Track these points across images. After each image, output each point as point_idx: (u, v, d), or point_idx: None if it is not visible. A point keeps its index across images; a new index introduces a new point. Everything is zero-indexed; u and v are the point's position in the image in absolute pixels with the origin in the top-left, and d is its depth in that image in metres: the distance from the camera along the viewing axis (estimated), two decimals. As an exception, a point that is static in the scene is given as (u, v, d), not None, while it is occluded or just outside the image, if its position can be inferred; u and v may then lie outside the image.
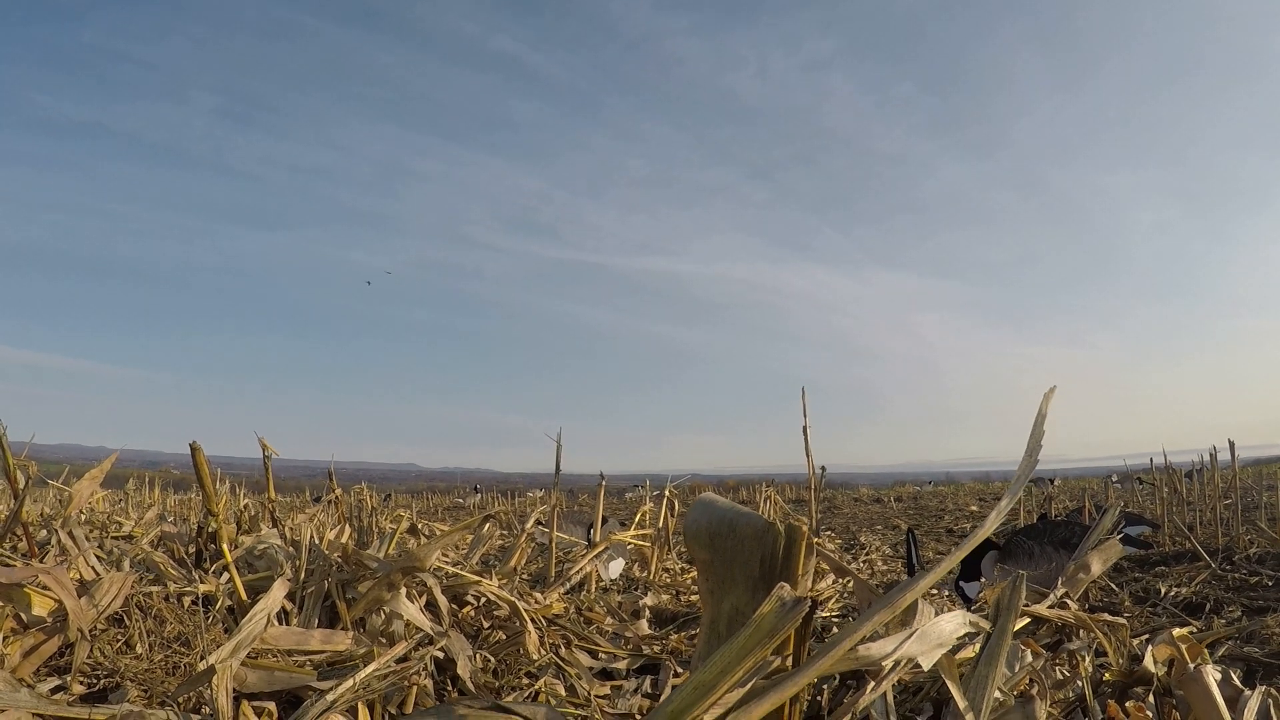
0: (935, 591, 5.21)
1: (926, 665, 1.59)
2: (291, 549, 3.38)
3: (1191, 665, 2.10)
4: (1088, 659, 2.43)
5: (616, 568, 5.47)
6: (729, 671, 1.33)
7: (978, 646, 2.00)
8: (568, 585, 4.38)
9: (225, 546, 2.75)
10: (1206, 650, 2.61)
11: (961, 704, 1.70)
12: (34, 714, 1.91)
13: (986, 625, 1.81)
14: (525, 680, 2.92)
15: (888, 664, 1.52)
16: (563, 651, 3.25)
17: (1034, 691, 2.13)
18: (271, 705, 2.26)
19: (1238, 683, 2.11)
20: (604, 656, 3.38)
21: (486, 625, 3.33)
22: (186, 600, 2.85)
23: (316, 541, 3.22)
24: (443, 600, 3.11)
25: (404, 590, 2.99)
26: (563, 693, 2.84)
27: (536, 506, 11.34)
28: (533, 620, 3.26)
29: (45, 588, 2.31)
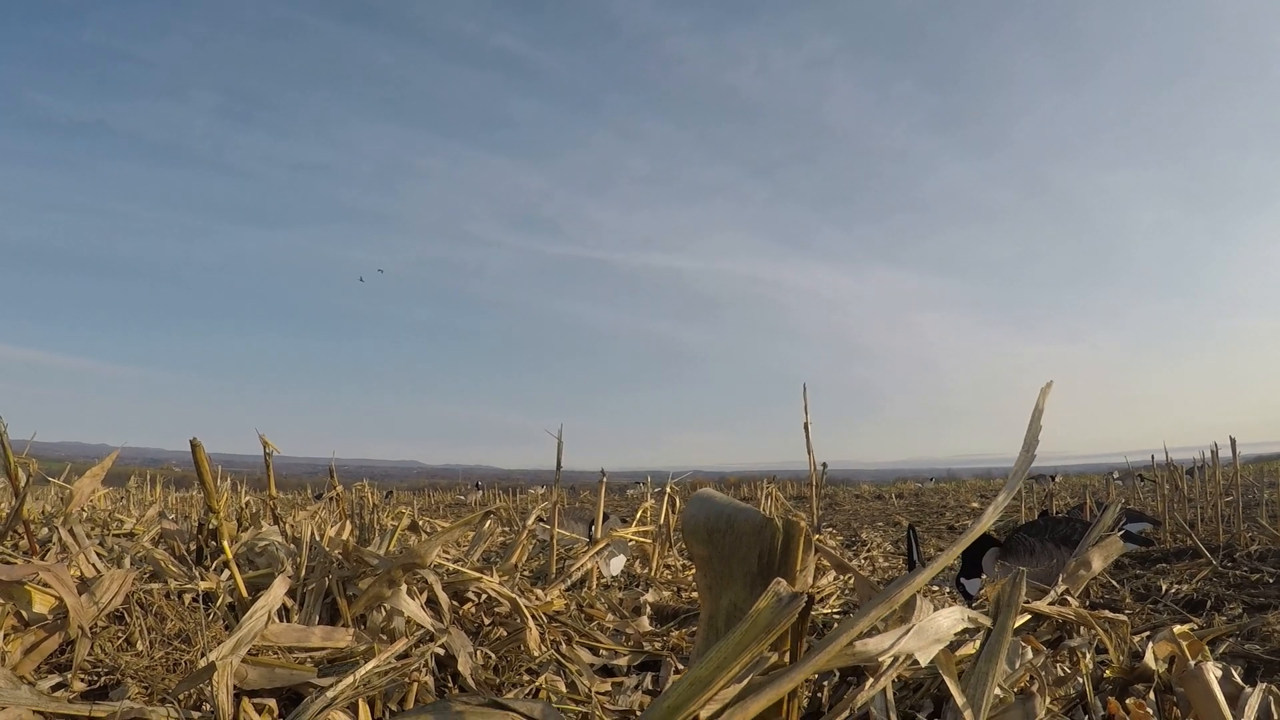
0: (937, 588, 5.21)
1: (924, 660, 1.59)
2: (292, 546, 3.38)
3: (1192, 662, 2.10)
4: (1088, 656, 2.43)
5: (618, 564, 5.48)
6: (726, 667, 1.33)
7: (978, 643, 2.00)
8: (569, 582, 4.39)
9: (226, 543, 2.76)
10: (1207, 647, 2.61)
11: (960, 701, 1.70)
12: (35, 711, 1.92)
13: (986, 621, 1.81)
14: (526, 677, 2.92)
15: (885, 660, 1.52)
16: (564, 648, 3.25)
17: (1034, 688, 2.13)
18: (272, 702, 2.26)
19: (1238, 680, 2.11)
20: (605, 653, 3.38)
21: (487, 622, 3.33)
22: (187, 597, 2.86)
23: (317, 538, 3.22)
24: (444, 597, 3.11)
25: (405, 587, 2.99)
26: (564, 689, 2.85)
27: (538, 503, 11.35)
28: (534, 617, 3.26)
29: (46, 585, 2.32)
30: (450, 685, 2.77)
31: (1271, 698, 2.05)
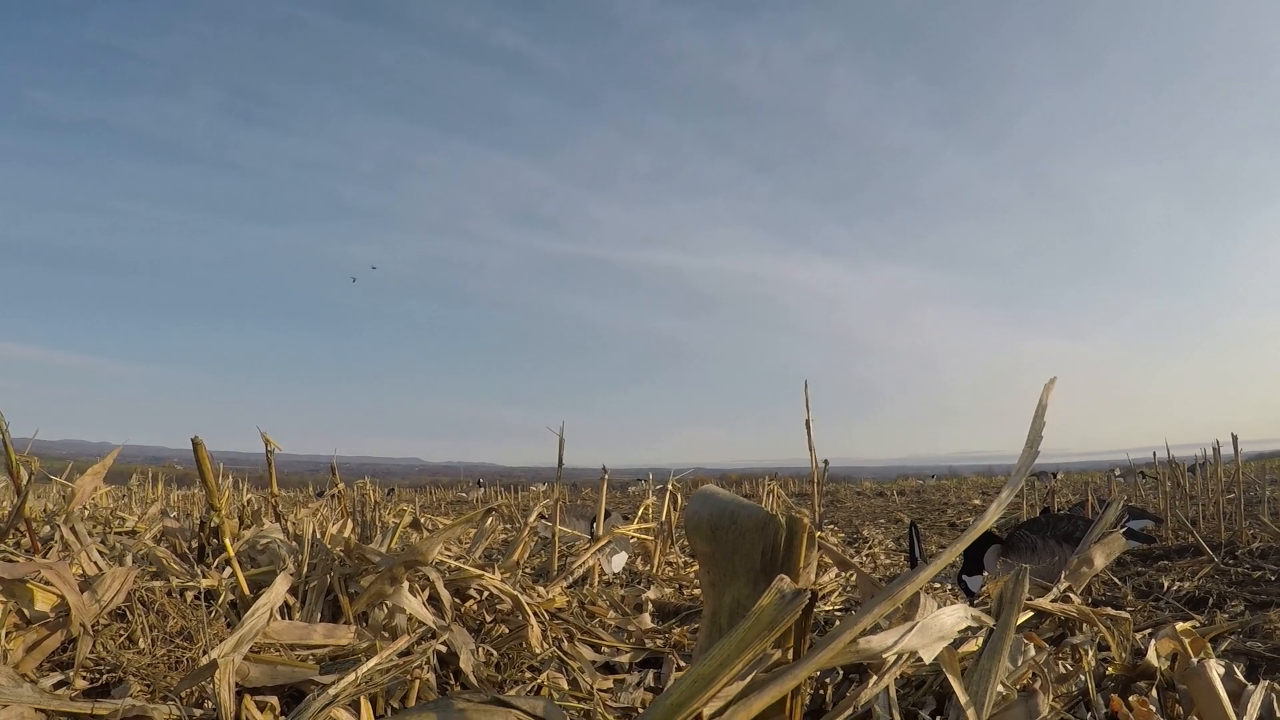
0: (938, 585, 5.21)
1: (928, 658, 1.59)
2: (294, 543, 3.39)
3: (1195, 660, 2.09)
4: (1091, 653, 2.43)
5: (619, 562, 5.48)
6: (728, 664, 1.33)
7: (980, 640, 2.00)
8: (570, 579, 4.39)
9: (228, 541, 2.76)
10: (1209, 645, 2.61)
11: (963, 698, 1.70)
12: (37, 709, 1.92)
13: (989, 619, 1.81)
14: (528, 674, 2.92)
15: (889, 657, 1.52)
16: (565, 645, 3.25)
17: (1037, 685, 2.13)
18: (274, 699, 2.26)
19: (1241, 677, 2.11)
20: (607, 650, 3.38)
21: (489, 619, 3.33)
22: (189, 595, 2.86)
23: (319, 536, 3.22)
24: (445, 594, 3.11)
25: (406, 584, 2.99)
26: (565, 686, 2.85)
27: (539, 500, 11.36)
28: (535, 614, 3.26)
29: (48, 583, 2.32)
30: (452, 683, 2.77)
31: (1274, 695, 2.05)
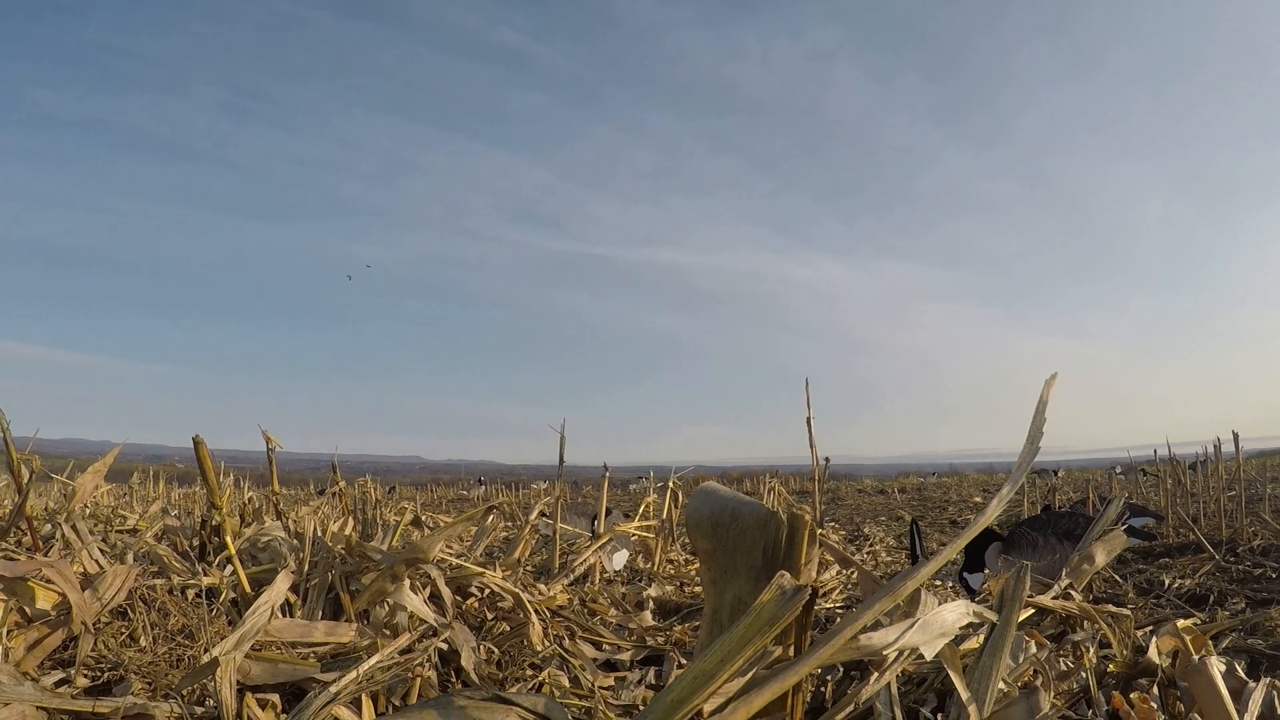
0: (939, 582, 5.21)
1: (929, 655, 1.59)
2: (295, 541, 3.39)
3: (1196, 657, 2.09)
4: (1092, 650, 2.43)
5: (620, 559, 5.49)
6: (729, 660, 1.33)
7: (982, 637, 2.00)
8: (572, 577, 4.39)
9: (229, 539, 2.76)
10: (1210, 642, 2.60)
11: (965, 695, 1.69)
12: (39, 707, 1.92)
13: (990, 616, 1.81)
14: (529, 671, 2.92)
15: (890, 654, 1.52)
16: (567, 643, 3.25)
17: (1038, 682, 2.13)
18: (275, 697, 2.26)
19: (1242, 674, 2.11)
20: (608, 648, 3.39)
21: (490, 617, 3.34)
22: (190, 593, 2.86)
23: (320, 534, 3.22)
24: (446, 592, 3.11)
25: (408, 582, 2.99)
26: (566, 684, 2.85)
27: (541, 498, 11.37)
28: (536, 612, 3.26)
29: (49, 581, 2.32)
30: (453, 680, 2.77)
31: (1275, 692, 2.04)
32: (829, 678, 2.50)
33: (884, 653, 1.51)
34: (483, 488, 29.37)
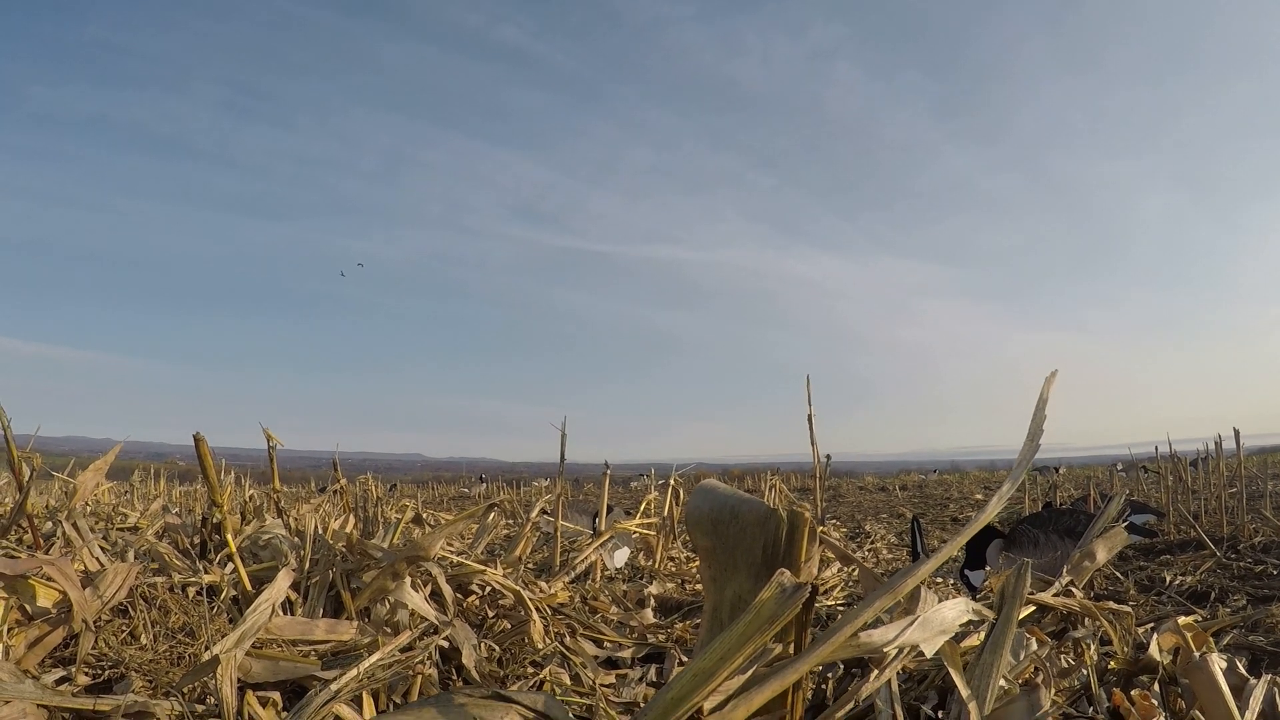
0: (940, 580, 5.21)
1: (929, 652, 1.58)
2: (296, 539, 3.39)
3: (1197, 654, 2.09)
4: (1093, 647, 2.42)
5: (621, 557, 5.49)
6: (729, 658, 1.33)
7: (982, 635, 2.00)
8: (573, 574, 4.39)
9: (230, 537, 2.76)
10: (1211, 639, 2.60)
11: (965, 692, 1.69)
12: (39, 705, 1.92)
13: (991, 613, 1.81)
14: (530, 669, 2.92)
15: (890, 651, 1.51)
16: (568, 640, 3.25)
17: (1039, 680, 2.12)
18: (276, 695, 2.26)
19: (1243, 671, 2.10)
20: (609, 645, 3.39)
21: (491, 614, 3.34)
22: (191, 591, 2.86)
23: (321, 531, 3.22)
24: (447, 589, 3.11)
25: (409, 580, 2.99)
26: (568, 681, 2.85)
27: (541, 496, 11.36)
28: (537, 609, 3.26)
29: (50, 579, 2.32)
30: (454, 678, 2.77)
31: (1276, 689, 2.04)
32: (829, 675, 2.50)
33: (884, 650, 1.51)
34: (484, 485, 29.38)
